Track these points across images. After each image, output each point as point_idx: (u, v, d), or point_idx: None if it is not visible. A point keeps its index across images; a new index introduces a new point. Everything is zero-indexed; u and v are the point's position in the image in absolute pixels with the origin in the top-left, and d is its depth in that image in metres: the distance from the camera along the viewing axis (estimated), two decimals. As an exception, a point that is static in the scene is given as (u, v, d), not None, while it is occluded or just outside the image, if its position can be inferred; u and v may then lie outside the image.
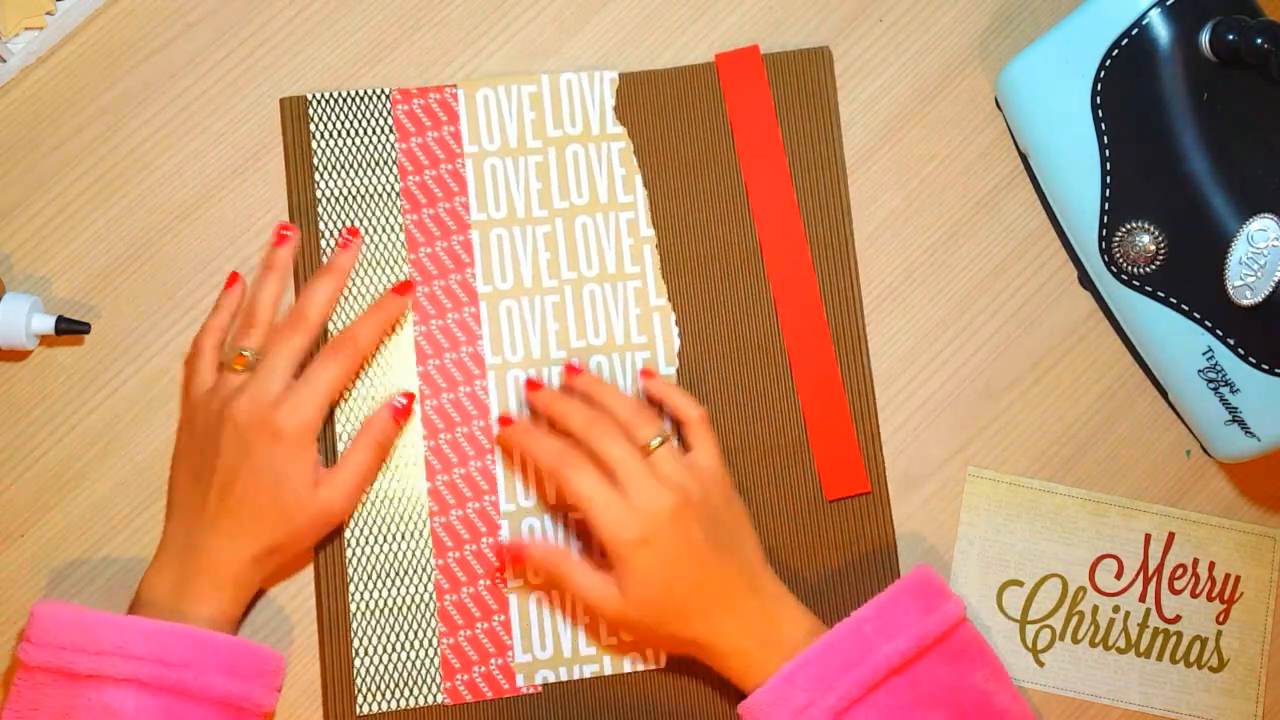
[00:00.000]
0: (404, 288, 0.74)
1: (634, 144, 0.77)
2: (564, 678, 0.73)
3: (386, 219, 0.75)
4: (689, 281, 0.76)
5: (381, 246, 0.75)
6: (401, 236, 0.75)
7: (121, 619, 0.65)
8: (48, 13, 0.77)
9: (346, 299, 0.75)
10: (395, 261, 0.75)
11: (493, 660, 0.72)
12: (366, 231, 0.75)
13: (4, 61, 0.76)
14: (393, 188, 0.76)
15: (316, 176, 0.75)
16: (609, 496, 0.66)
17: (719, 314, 0.76)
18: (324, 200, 0.75)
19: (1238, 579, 0.77)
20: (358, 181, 0.76)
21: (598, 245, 0.76)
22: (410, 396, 0.73)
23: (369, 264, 0.75)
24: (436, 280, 0.75)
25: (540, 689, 0.73)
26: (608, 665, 0.73)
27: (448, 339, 0.75)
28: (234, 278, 0.74)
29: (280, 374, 0.69)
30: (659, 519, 0.66)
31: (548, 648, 0.73)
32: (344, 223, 0.75)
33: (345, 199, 0.75)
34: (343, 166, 0.76)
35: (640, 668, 0.73)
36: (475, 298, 0.75)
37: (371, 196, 0.75)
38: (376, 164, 0.76)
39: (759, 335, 0.76)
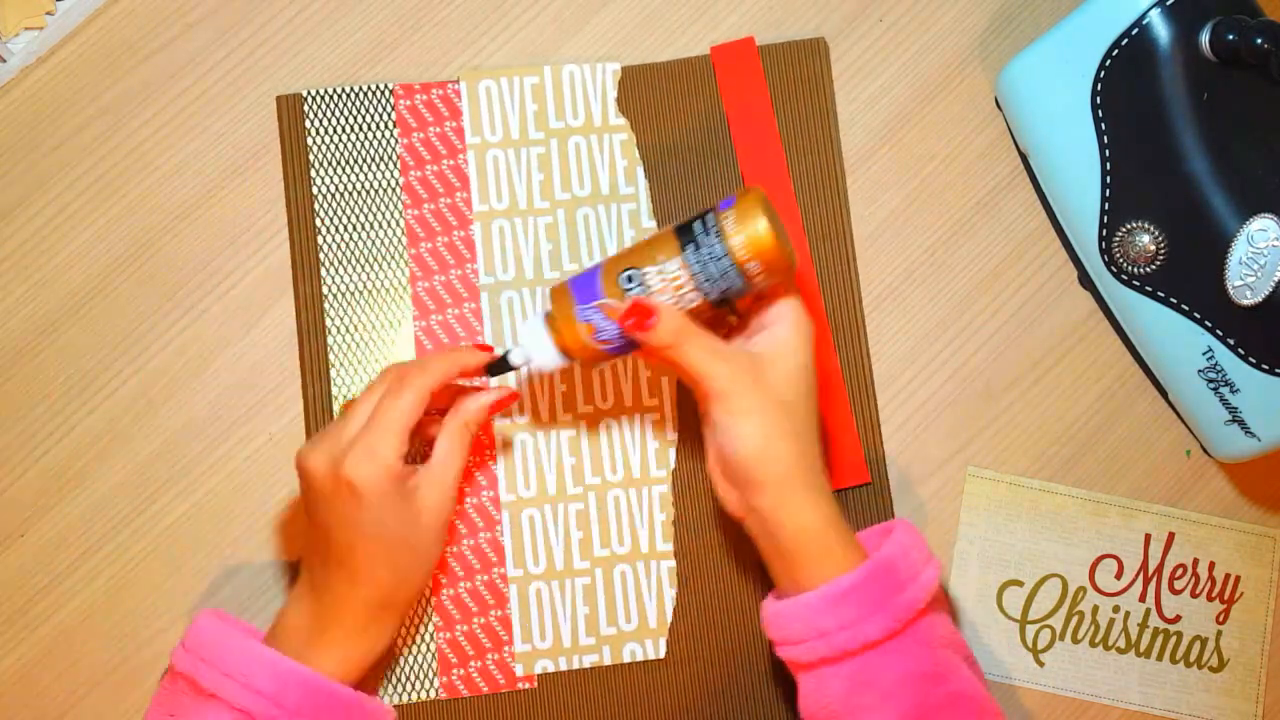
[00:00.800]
0: (484, 349, 0.70)
1: (635, 136, 0.77)
2: (563, 668, 0.73)
3: (386, 214, 0.75)
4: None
5: (381, 242, 0.75)
6: (402, 232, 0.75)
7: (256, 649, 0.64)
8: (48, 13, 0.77)
9: (346, 296, 0.75)
10: (395, 257, 0.75)
11: (489, 655, 0.73)
12: (366, 227, 0.75)
13: (4, 61, 0.76)
14: (394, 183, 0.76)
15: (313, 173, 0.75)
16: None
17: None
18: (321, 197, 0.75)
19: (1238, 579, 0.77)
20: (356, 177, 0.76)
21: (599, 236, 0.76)
22: (514, 396, 0.71)
23: (368, 259, 0.75)
24: (437, 275, 0.75)
25: (535, 684, 0.73)
26: (607, 655, 0.73)
27: (447, 334, 0.75)
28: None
29: (361, 419, 0.67)
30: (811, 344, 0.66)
31: (547, 638, 0.73)
32: (343, 219, 0.75)
33: (343, 195, 0.75)
34: (340, 163, 0.76)
35: (640, 658, 0.73)
36: (476, 293, 0.75)
37: (370, 192, 0.75)
38: (375, 160, 0.76)
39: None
